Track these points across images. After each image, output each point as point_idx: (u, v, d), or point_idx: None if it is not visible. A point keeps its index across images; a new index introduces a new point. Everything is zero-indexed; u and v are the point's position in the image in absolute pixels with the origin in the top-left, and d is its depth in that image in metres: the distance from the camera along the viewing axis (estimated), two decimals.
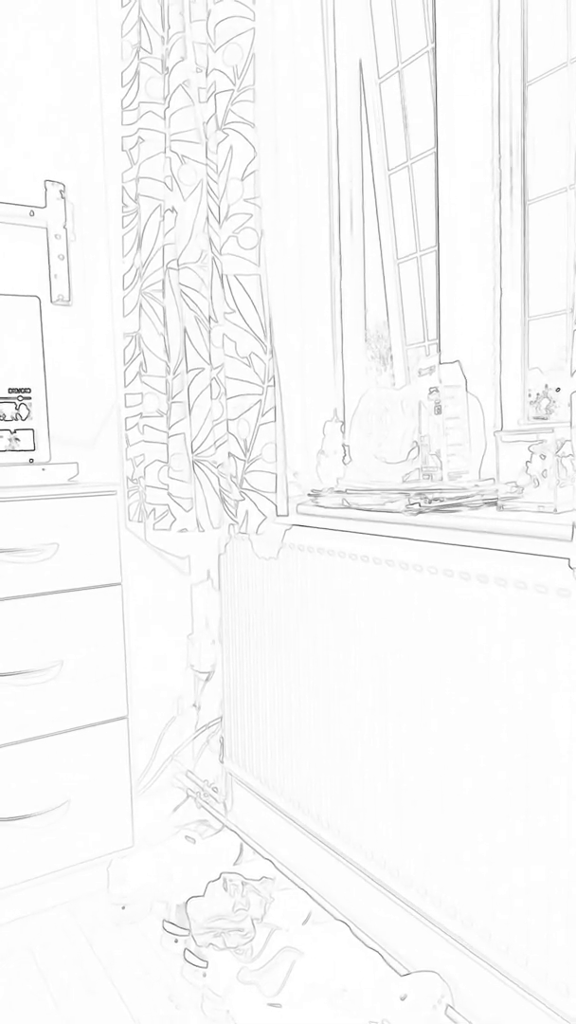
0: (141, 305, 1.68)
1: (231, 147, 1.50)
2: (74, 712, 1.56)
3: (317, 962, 1.29)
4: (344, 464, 1.69)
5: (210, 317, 1.62)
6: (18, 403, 1.67)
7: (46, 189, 1.75)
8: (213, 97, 1.51)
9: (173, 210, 1.58)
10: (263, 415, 1.53)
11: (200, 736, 1.97)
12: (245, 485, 1.57)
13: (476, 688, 1.14)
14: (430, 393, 1.44)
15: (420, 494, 1.29)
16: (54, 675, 1.53)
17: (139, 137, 1.64)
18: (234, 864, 1.63)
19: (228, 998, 1.25)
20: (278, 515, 1.55)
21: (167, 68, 1.57)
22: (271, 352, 1.53)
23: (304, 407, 1.78)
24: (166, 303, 1.61)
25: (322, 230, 1.78)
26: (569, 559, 1.01)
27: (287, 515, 1.55)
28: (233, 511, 1.61)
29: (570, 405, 1.25)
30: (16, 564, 1.49)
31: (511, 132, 1.38)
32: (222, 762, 1.93)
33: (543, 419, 1.32)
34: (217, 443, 1.64)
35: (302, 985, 1.25)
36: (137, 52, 1.65)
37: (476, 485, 1.35)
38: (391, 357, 1.76)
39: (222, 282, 1.54)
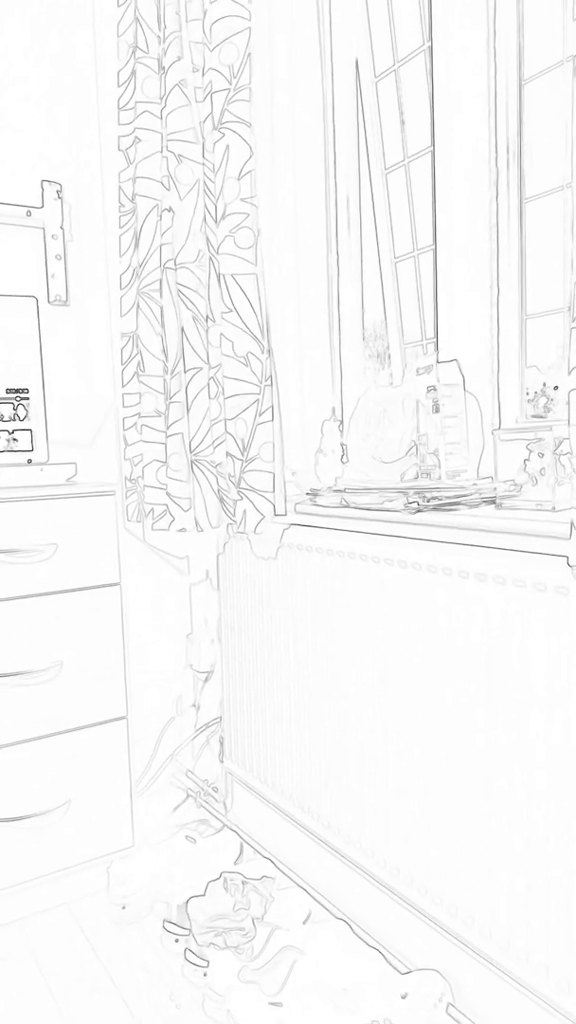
0: (139, 305, 1.68)
1: (228, 146, 1.50)
2: (73, 712, 1.56)
3: (318, 961, 1.29)
4: (342, 463, 1.69)
5: (208, 317, 1.62)
6: (16, 403, 1.67)
7: (43, 189, 1.75)
8: (209, 96, 1.51)
9: (170, 210, 1.58)
10: (260, 414, 1.53)
11: (200, 736, 1.97)
12: (243, 485, 1.57)
13: (476, 686, 1.14)
14: (428, 392, 1.44)
15: (419, 493, 1.29)
16: (53, 675, 1.53)
17: (136, 137, 1.64)
18: (234, 863, 1.63)
19: (229, 997, 1.25)
20: (276, 515, 1.55)
21: (163, 68, 1.57)
22: (268, 351, 1.53)
23: (302, 406, 1.78)
24: (164, 303, 1.61)
25: (319, 229, 1.78)
26: (567, 557, 1.01)
27: (285, 514, 1.55)
28: (231, 511, 1.61)
29: (568, 403, 1.25)
30: (15, 565, 1.49)
31: (508, 130, 1.38)
32: (222, 762, 1.93)
33: (541, 417, 1.32)
34: (215, 443, 1.64)
35: (303, 984, 1.25)
36: (133, 52, 1.65)
37: (474, 484, 1.35)
38: (389, 356, 1.76)
39: (219, 281, 1.54)
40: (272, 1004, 1.22)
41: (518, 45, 1.36)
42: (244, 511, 1.57)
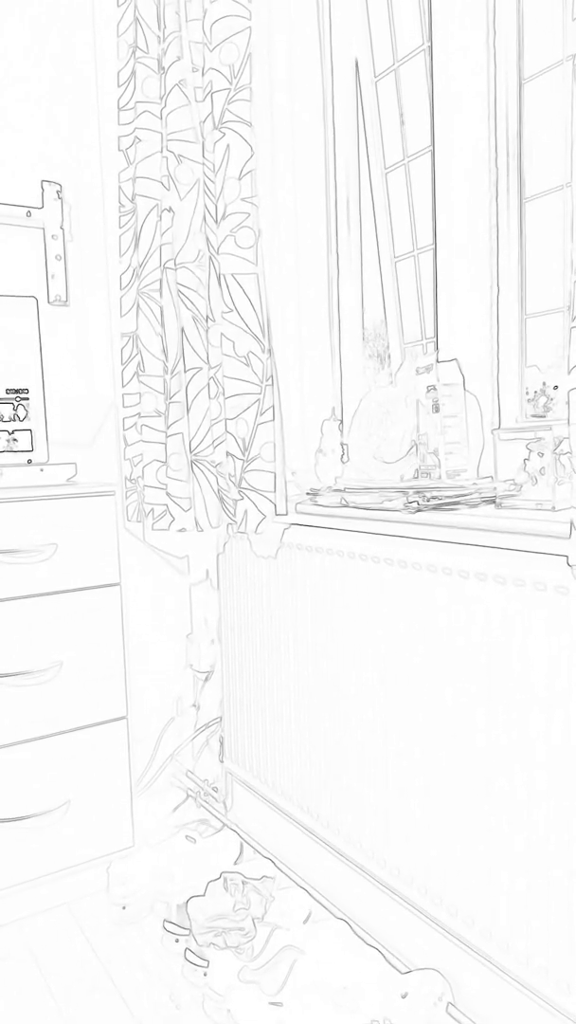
0: (139, 305, 1.68)
1: (228, 146, 1.50)
2: (73, 713, 1.56)
3: (318, 961, 1.29)
4: (342, 463, 1.69)
5: (208, 316, 1.62)
6: (16, 404, 1.67)
7: (43, 189, 1.75)
8: (210, 96, 1.51)
9: (170, 210, 1.58)
10: (261, 414, 1.53)
11: (200, 736, 1.97)
12: (244, 484, 1.57)
13: (476, 686, 1.14)
14: (428, 391, 1.44)
15: (419, 492, 1.29)
16: (53, 676, 1.53)
17: (136, 137, 1.64)
18: (234, 863, 1.63)
19: (229, 997, 1.25)
20: (277, 514, 1.55)
21: (163, 67, 1.57)
22: (269, 351, 1.53)
23: (302, 406, 1.78)
24: (164, 303, 1.61)
25: (319, 229, 1.78)
26: (567, 556, 1.01)
27: (286, 514, 1.55)
28: (232, 510, 1.61)
29: (568, 403, 1.25)
30: (15, 565, 1.49)
31: (507, 130, 1.38)
32: (222, 761, 1.93)
33: (541, 417, 1.32)
34: (215, 442, 1.64)
35: (303, 984, 1.25)
36: (133, 52, 1.65)
37: (474, 483, 1.35)
38: (389, 355, 1.76)
39: (220, 281, 1.54)
40: (272, 1004, 1.22)
41: (518, 45, 1.36)
42: (245, 511, 1.57)
